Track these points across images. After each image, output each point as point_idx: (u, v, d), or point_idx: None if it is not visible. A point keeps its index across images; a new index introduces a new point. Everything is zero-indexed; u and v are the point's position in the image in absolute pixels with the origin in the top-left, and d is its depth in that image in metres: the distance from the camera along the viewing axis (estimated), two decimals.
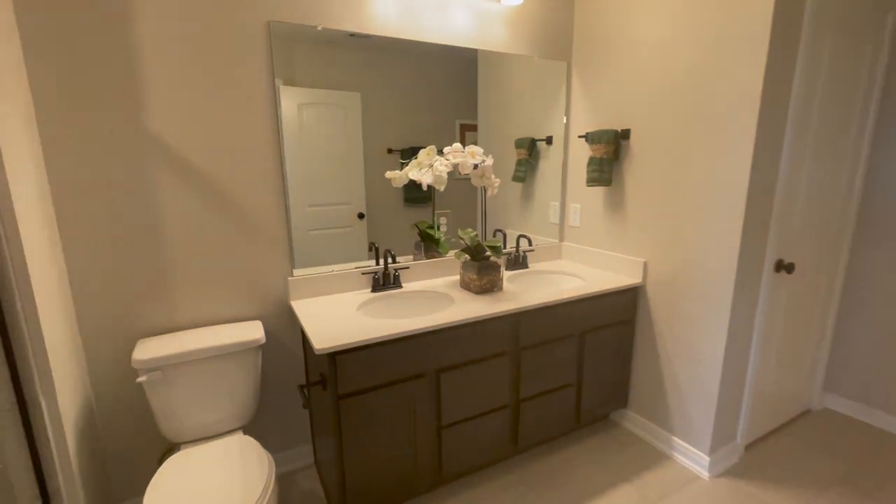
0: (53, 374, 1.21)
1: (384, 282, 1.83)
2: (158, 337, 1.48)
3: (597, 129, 2.07)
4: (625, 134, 1.95)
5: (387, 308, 1.76)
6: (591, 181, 2.02)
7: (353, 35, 1.68)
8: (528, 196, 2.26)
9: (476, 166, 1.78)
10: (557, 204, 2.33)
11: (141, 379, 1.34)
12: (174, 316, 1.54)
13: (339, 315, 1.54)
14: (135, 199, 1.43)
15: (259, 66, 1.54)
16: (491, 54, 2.00)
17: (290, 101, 1.58)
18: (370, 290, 1.83)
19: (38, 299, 1.16)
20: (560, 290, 1.84)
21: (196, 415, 1.45)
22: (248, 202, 1.60)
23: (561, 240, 2.38)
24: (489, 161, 1.76)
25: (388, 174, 1.80)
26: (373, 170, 1.77)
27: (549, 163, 2.28)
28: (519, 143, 2.19)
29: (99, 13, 1.31)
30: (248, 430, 1.74)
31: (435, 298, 1.81)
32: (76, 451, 1.29)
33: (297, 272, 1.73)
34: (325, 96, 1.63)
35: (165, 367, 1.38)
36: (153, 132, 1.42)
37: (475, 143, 2.04)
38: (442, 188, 1.74)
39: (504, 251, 2.19)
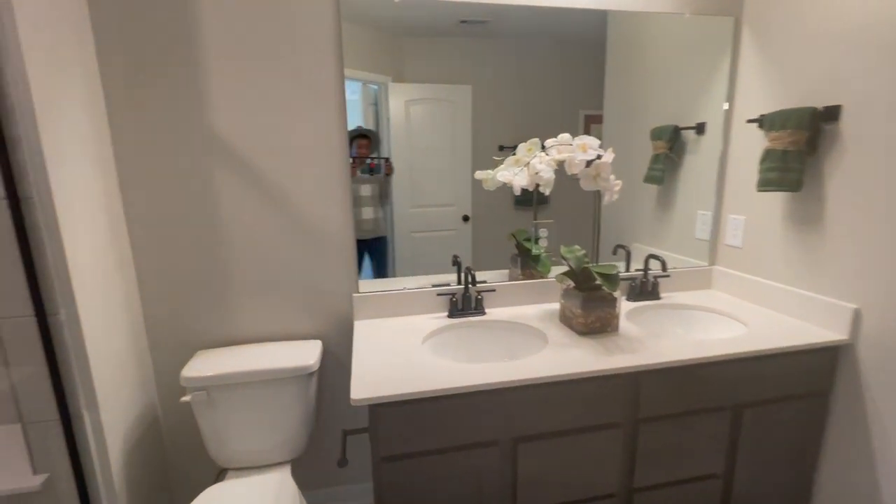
0: (104, 385, 1.16)
1: (463, 306, 1.50)
2: (214, 350, 1.38)
3: (780, 108, 1.43)
4: (830, 113, 1.29)
5: (460, 342, 1.43)
6: (767, 183, 1.40)
7: (464, 22, 1.44)
8: (665, 202, 1.71)
9: (589, 163, 1.33)
10: (708, 214, 1.72)
11: (185, 398, 1.24)
12: (234, 329, 1.44)
13: (398, 347, 1.26)
14: (200, 203, 1.34)
15: (325, 50, 1.33)
16: (625, 20, 1.53)
17: (398, 98, 1.43)
18: (446, 314, 1.51)
19: (87, 310, 1.10)
20: (706, 338, 1.29)
21: (240, 442, 1.31)
22: (311, 209, 1.41)
23: (711, 263, 1.76)
24: (607, 157, 1.30)
25: (478, 174, 1.48)
26: (482, 168, 1.49)
27: (699, 158, 1.68)
28: (657, 134, 1.65)
29: (166, 10, 1.22)
30: (300, 462, 1.57)
31: (523, 335, 1.41)
32: (124, 464, 1.23)
33: (363, 288, 1.50)
34: (434, 91, 1.46)
35: (210, 387, 1.25)
36: (218, 132, 1.31)
37: (601, 137, 1.60)
38: (547, 191, 1.36)
39: (624, 274, 1.68)
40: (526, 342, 1.39)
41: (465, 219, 1.57)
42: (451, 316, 1.49)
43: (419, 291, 1.51)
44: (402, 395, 1.02)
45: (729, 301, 1.61)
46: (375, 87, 1.42)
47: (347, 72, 1.37)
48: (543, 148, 1.40)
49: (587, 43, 1.54)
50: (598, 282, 1.29)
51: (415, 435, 1.06)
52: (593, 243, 1.67)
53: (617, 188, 1.34)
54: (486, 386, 1.06)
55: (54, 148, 1.02)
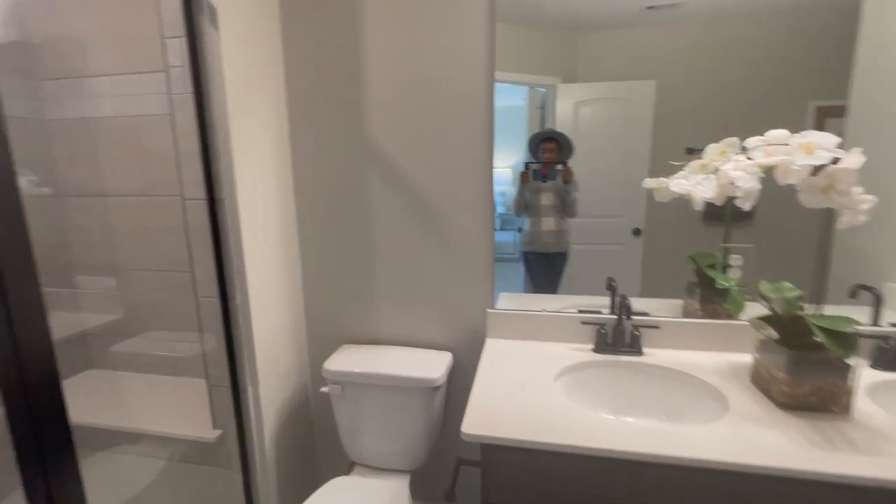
0: (265, 364, 1.32)
1: (614, 340, 1.25)
2: (356, 346, 1.46)
3: None
4: None
5: (602, 386, 1.18)
6: None
7: (650, 7, 1.25)
8: None
9: (817, 169, 0.94)
10: None
11: (324, 389, 1.33)
12: (376, 328, 1.49)
13: (527, 379, 1.10)
14: (355, 209, 1.43)
15: (475, 56, 1.27)
16: None
17: (567, 99, 1.32)
18: (591, 347, 1.28)
19: (257, 298, 1.26)
20: None
21: (366, 440, 1.35)
22: (452, 218, 1.37)
23: None
24: (850, 160, 0.90)
25: (648, 183, 1.25)
26: (662, 175, 1.27)
27: None
28: None
29: (341, 37, 1.33)
30: (420, 472, 1.54)
31: (692, 391, 1.09)
32: (275, 436, 1.38)
33: (500, 304, 1.39)
34: (609, 89, 1.31)
35: (344, 383, 1.32)
36: (374, 143, 1.37)
37: (839, 134, 1.16)
38: (747, 205, 1.05)
39: (870, 328, 1.17)
40: (694, 402, 1.07)
41: (637, 232, 1.34)
42: (597, 350, 1.26)
43: (560, 316, 1.33)
44: (519, 441, 0.87)
45: None
46: (543, 90, 1.32)
47: (513, 76, 1.30)
48: (744, 150, 1.07)
49: (824, 11, 1.13)
50: (819, 338, 0.90)
51: (530, 489, 0.90)
52: (816, 280, 1.21)
53: (865, 206, 0.92)
54: (630, 455, 0.83)
55: (242, 158, 1.19)
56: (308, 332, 1.56)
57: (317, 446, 1.65)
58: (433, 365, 1.31)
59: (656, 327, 1.25)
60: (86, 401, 1.52)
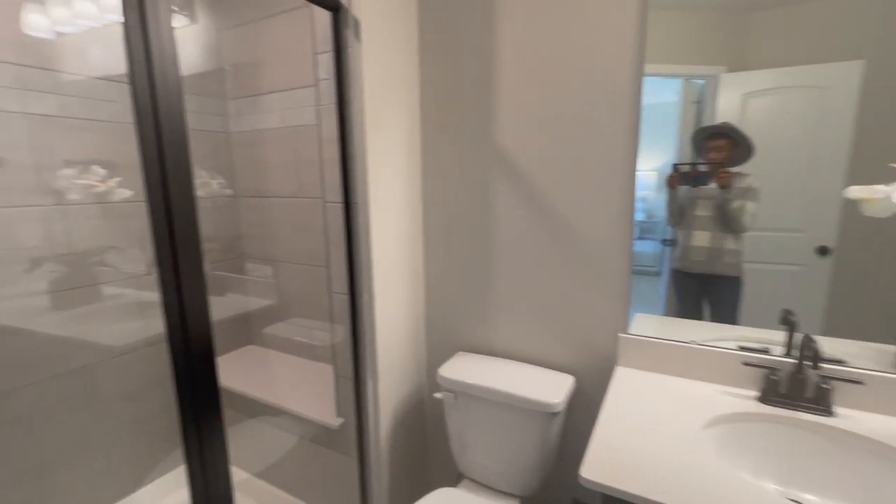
0: (385, 361, 1.36)
1: (790, 392, 0.98)
2: (472, 355, 1.42)
3: None
4: None
5: (770, 446, 0.93)
6: None
7: None
8: None
9: None
10: None
11: (437, 395, 1.32)
12: (492, 339, 1.44)
13: (665, 423, 0.93)
14: (480, 217, 1.39)
15: (621, 55, 1.13)
16: None
17: (733, 91, 1.12)
18: (756, 394, 1.03)
19: (381, 296, 1.31)
20: None
21: (475, 454, 1.30)
22: (584, 230, 1.24)
23: None
24: None
25: (854, 191, 0.99)
26: (867, 181, 1.01)
27: None
28: None
29: (475, 49, 1.31)
30: (530, 501, 1.41)
31: None
32: (391, 431, 1.42)
33: (635, 329, 1.21)
34: (793, 76, 1.08)
35: (458, 392, 1.28)
36: (502, 149, 1.32)
37: None
38: None
39: None
40: None
41: (823, 252, 1.07)
42: (763, 400, 1.00)
43: (714, 351, 1.10)
44: (651, 502, 0.72)
45: None
46: (701, 81, 1.14)
47: (666, 68, 1.14)
48: None
49: None
50: None
51: None
52: None
53: None
54: None
55: (376, 164, 1.24)
56: (427, 335, 1.57)
57: (428, 450, 1.66)
58: (552, 388, 1.20)
59: (859, 382, 0.94)
60: (243, 372, 1.77)
